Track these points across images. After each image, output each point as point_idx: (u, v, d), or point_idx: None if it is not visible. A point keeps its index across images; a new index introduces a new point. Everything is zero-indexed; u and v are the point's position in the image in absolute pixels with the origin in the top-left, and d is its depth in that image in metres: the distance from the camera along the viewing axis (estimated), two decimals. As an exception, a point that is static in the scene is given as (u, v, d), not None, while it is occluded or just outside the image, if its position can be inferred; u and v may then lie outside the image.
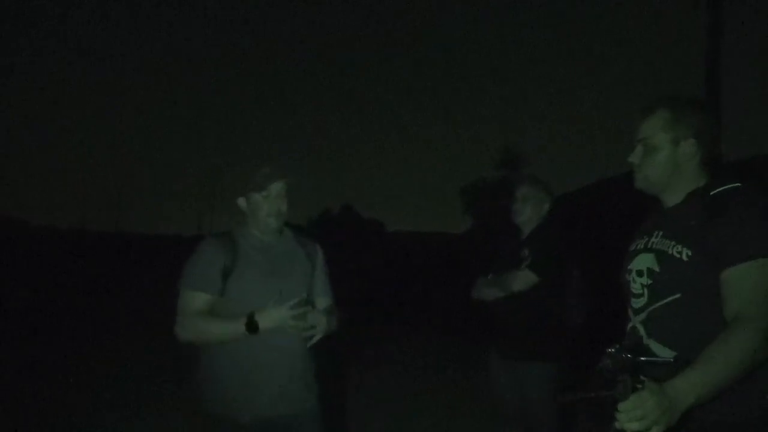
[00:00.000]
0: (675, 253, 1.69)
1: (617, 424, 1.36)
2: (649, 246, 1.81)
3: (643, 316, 1.76)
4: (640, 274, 1.80)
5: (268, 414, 2.33)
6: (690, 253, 1.66)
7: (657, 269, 1.74)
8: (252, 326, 2.24)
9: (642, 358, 1.40)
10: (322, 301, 2.58)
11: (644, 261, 1.80)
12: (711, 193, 1.71)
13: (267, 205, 2.40)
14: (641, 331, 1.75)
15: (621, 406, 1.36)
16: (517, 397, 3.23)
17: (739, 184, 1.69)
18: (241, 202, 2.47)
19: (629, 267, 1.86)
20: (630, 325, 1.81)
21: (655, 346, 1.69)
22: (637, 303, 1.80)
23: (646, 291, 1.77)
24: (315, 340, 2.39)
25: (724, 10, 9.99)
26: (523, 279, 3.16)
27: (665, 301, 1.70)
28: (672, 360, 1.42)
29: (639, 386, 1.36)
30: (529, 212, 3.37)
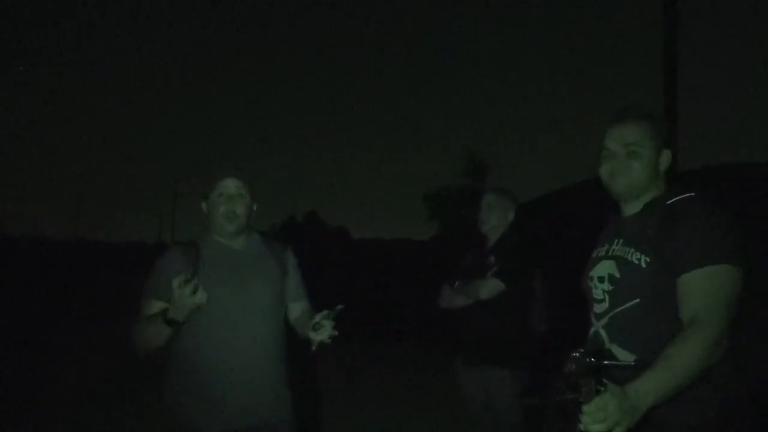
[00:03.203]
0: (634, 260, 1.76)
1: (581, 426, 1.42)
2: (610, 253, 1.88)
3: (604, 321, 1.82)
4: (601, 280, 1.87)
5: (237, 425, 2.27)
6: (648, 260, 1.73)
7: (617, 275, 1.81)
8: (169, 320, 2.11)
9: (605, 362, 1.46)
10: (297, 306, 2.55)
11: (605, 267, 1.86)
12: (668, 203, 1.79)
13: (221, 206, 2.37)
14: (603, 335, 1.81)
15: (585, 408, 1.41)
16: (483, 403, 3.27)
17: (693, 194, 1.77)
18: (203, 207, 2.45)
19: (591, 273, 1.93)
20: (592, 330, 1.87)
21: (617, 350, 1.75)
22: (598, 308, 1.86)
23: (607, 296, 1.83)
24: (316, 344, 2.26)
25: (680, 21, 10.26)
26: (490, 287, 3.21)
27: (625, 306, 1.77)
28: (633, 363, 1.48)
29: (602, 389, 1.41)
30: (494, 220, 3.42)
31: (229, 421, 2.27)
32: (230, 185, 2.39)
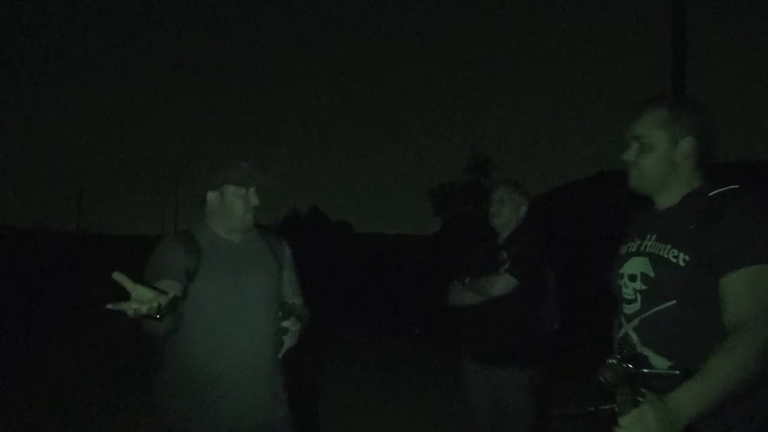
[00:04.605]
0: (671, 258, 1.63)
1: (617, 440, 1.30)
2: (641, 249, 1.74)
3: (636, 322, 1.69)
4: (632, 278, 1.73)
5: (234, 427, 2.18)
6: (687, 258, 1.59)
7: (651, 274, 1.67)
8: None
9: (644, 370, 1.33)
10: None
11: (637, 265, 1.73)
12: (708, 195, 1.66)
13: (245, 202, 2.26)
14: (634, 338, 1.68)
15: (621, 420, 1.30)
16: (491, 404, 3.15)
17: (737, 187, 1.63)
18: (212, 196, 2.28)
19: (620, 271, 1.79)
20: (622, 332, 1.75)
21: (651, 355, 1.63)
22: (629, 309, 1.73)
23: (639, 296, 1.70)
24: (285, 350, 2.27)
25: (688, 15, 10.14)
26: (502, 283, 3.09)
27: (660, 307, 1.63)
28: (677, 373, 1.35)
29: (640, 399, 1.29)
30: (506, 215, 3.29)
31: (225, 423, 2.17)
32: (254, 178, 2.28)
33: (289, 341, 2.25)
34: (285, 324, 2.22)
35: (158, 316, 1.80)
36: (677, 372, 1.34)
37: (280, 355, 2.27)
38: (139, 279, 1.90)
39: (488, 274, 3.17)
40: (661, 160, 1.73)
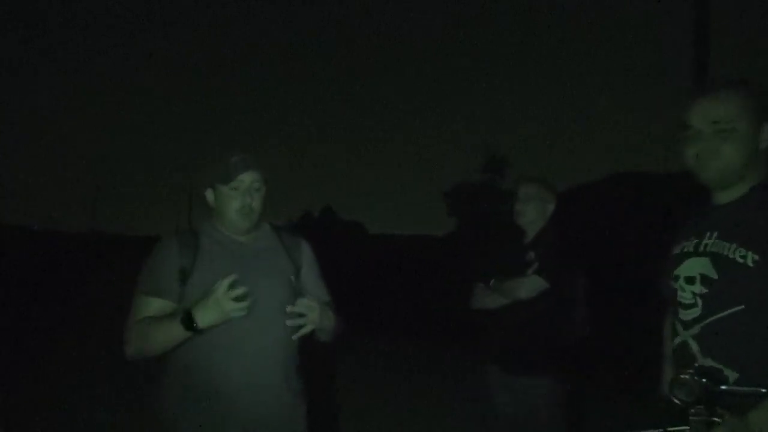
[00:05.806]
0: (738, 258, 1.46)
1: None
2: (701, 248, 1.57)
3: (695, 330, 1.52)
4: (690, 281, 1.56)
5: None
6: (757, 258, 1.43)
7: (714, 276, 1.51)
8: (189, 322, 1.86)
9: (723, 387, 1.15)
10: None
11: (696, 266, 1.56)
12: None
13: (235, 200, 2.10)
14: (694, 348, 1.52)
15: None
16: (518, 416, 2.99)
17: None
18: (209, 194, 2.17)
19: (676, 272, 1.62)
20: (678, 340, 1.57)
21: (723, 368, 1.45)
22: (687, 315, 1.56)
23: (699, 301, 1.53)
24: (303, 331, 2.03)
25: (711, 8, 9.94)
26: (530, 285, 2.92)
27: (725, 313, 1.47)
28: (764, 391, 1.16)
29: (716, 420, 1.12)
30: (532, 213, 3.13)
31: None
32: (247, 179, 2.11)
33: (308, 323, 2.02)
34: (302, 300, 2.00)
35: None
36: (763, 390, 1.16)
37: (294, 337, 2.06)
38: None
39: (515, 276, 3.01)
40: (742, 149, 1.55)
